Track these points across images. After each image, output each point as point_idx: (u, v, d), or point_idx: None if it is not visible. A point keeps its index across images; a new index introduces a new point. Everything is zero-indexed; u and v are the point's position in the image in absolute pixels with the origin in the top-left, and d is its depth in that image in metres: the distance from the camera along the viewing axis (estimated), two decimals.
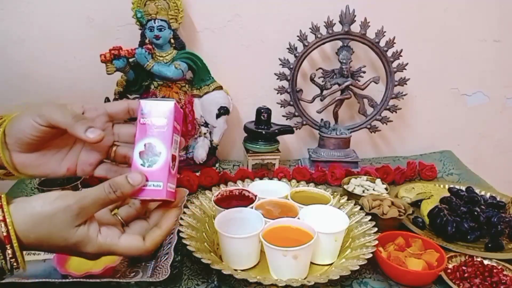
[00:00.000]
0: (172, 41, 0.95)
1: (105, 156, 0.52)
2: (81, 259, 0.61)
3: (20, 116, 0.46)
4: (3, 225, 0.39)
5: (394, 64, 1.05)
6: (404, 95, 1.08)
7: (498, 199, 0.87)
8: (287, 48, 1.03)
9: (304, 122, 1.09)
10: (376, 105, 1.09)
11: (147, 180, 0.44)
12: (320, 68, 1.07)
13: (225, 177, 0.93)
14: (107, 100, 0.94)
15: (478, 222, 0.76)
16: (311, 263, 0.65)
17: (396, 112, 1.10)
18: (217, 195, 0.76)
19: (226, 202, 0.75)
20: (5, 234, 0.39)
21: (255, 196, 0.76)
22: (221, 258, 0.66)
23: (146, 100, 0.47)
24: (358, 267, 0.61)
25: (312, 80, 1.05)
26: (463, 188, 0.89)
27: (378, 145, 1.23)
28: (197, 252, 0.62)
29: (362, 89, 1.07)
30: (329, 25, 1.00)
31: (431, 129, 1.23)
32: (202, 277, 0.64)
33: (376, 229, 0.71)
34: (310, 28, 1.00)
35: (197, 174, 0.94)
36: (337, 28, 1.01)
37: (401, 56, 1.04)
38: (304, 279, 0.61)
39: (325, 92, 1.06)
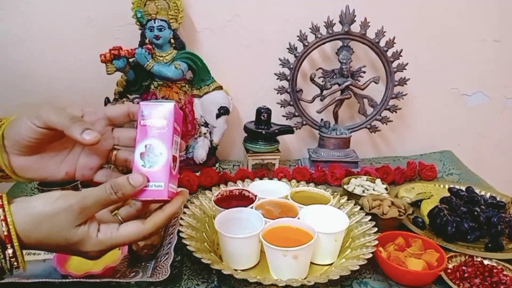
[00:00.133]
0: (172, 41, 0.95)
1: (105, 160, 0.52)
2: (81, 259, 0.62)
3: (18, 119, 0.46)
4: (4, 224, 0.39)
5: (394, 64, 1.05)
6: (404, 95, 1.08)
7: (498, 199, 0.87)
8: (287, 48, 1.03)
9: (304, 122, 1.09)
10: (376, 105, 1.09)
11: (148, 181, 0.45)
12: (320, 68, 1.07)
13: (225, 177, 0.93)
14: (107, 100, 0.94)
15: (478, 222, 0.76)
16: (311, 263, 0.65)
17: (396, 112, 1.10)
18: (217, 195, 0.76)
19: (226, 202, 0.75)
20: (5, 233, 0.39)
21: (255, 196, 0.76)
22: (221, 258, 0.66)
23: (146, 102, 0.47)
24: (358, 267, 0.61)
25: (312, 80, 1.05)
26: (463, 188, 0.89)
27: (378, 145, 1.23)
28: (197, 252, 0.62)
29: (362, 89, 1.07)
30: (329, 25, 1.00)
31: (431, 129, 1.23)
32: (202, 277, 0.64)
33: (376, 229, 0.71)
34: (310, 28, 1.00)
35: (197, 174, 0.94)
36: (337, 28, 1.01)
37: (401, 56, 1.04)
38: (304, 279, 0.61)
39: (325, 92, 1.06)
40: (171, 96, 0.95)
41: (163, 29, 0.91)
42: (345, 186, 0.89)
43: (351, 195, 0.86)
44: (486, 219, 0.76)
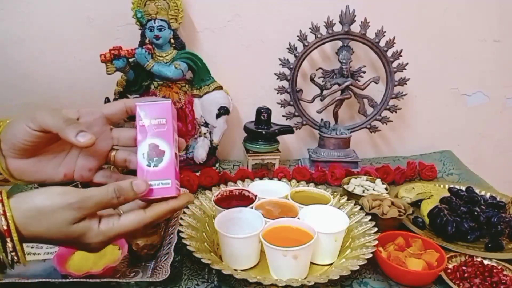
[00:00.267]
0: (172, 41, 0.95)
1: (104, 161, 0.51)
2: (81, 259, 0.62)
3: (14, 122, 0.46)
4: (3, 218, 0.39)
5: (394, 64, 1.05)
6: (404, 95, 1.08)
7: (498, 199, 0.87)
8: (287, 48, 1.03)
9: (304, 122, 1.09)
10: (376, 105, 1.09)
11: (155, 179, 0.45)
12: (320, 68, 1.07)
13: (225, 177, 0.93)
14: (107, 100, 0.94)
15: (478, 222, 0.76)
16: (311, 263, 0.65)
17: (396, 112, 1.10)
18: (217, 195, 0.76)
19: (226, 202, 0.75)
20: (5, 227, 0.39)
21: (255, 196, 0.76)
22: (221, 258, 0.66)
23: (143, 103, 0.48)
24: (358, 267, 0.61)
25: (312, 80, 1.05)
26: (463, 188, 0.89)
27: (378, 145, 1.23)
28: (197, 252, 0.62)
29: (362, 89, 1.07)
30: (329, 25, 1.00)
31: (431, 129, 1.23)
32: (202, 277, 0.64)
33: (376, 229, 0.71)
34: (310, 28, 1.00)
35: (197, 174, 0.94)
36: (337, 28, 1.01)
37: (401, 56, 1.04)
38: (304, 279, 0.61)
39: (325, 92, 1.06)
40: (171, 96, 0.95)
41: (163, 29, 0.91)
42: (345, 186, 0.89)
43: (351, 195, 0.86)
44: (486, 219, 0.76)
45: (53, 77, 1.03)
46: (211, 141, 1.02)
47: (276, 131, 1.00)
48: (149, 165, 0.46)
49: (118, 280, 0.59)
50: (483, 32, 1.15)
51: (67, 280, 0.57)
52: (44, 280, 0.56)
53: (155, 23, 0.91)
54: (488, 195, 0.90)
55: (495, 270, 0.65)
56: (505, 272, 0.65)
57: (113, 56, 0.88)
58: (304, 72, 1.10)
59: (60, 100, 1.03)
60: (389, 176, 0.98)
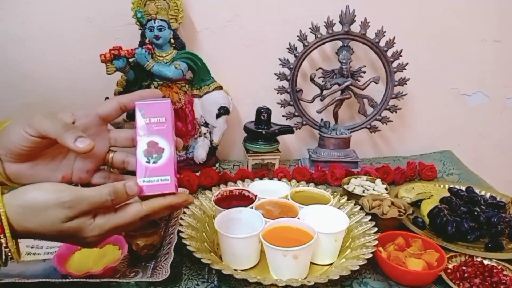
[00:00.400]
0: (172, 41, 0.95)
1: (102, 163, 0.52)
2: (81, 259, 0.62)
3: (10, 127, 0.46)
4: None
5: (394, 64, 1.05)
6: (404, 95, 1.08)
7: (498, 199, 0.87)
8: (287, 48, 1.03)
9: (304, 122, 1.09)
10: (376, 105, 1.09)
11: (154, 176, 0.46)
12: (320, 68, 1.07)
13: (225, 177, 0.93)
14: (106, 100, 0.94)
15: (478, 222, 0.76)
16: (311, 263, 0.65)
17: (396, 112, 1.10)
18: (217, 195, 0.76)
19: (226, 202, 0.75)
20: None
21: (255, 196, 0.76)
22: (221, 258, 0.66)
23: (142, 102, 0.48)
24: (358, 267, 0.61)
25: (312, 80, 1.05)
26: (463, 188, 0.89)
27: (378, 145, 1.23)
28: (197, 252, 0.62)
29: (362, 89, 1.07)
30: (329, 25, 1.00)
31: (431, 129, 1.23)
32: (202, 277, 0.64)
33: (376, 229, 0.71)
34: (310, 28, 1.00)
35: (197, 174, 0.94)
36: (337, 28, 1.01)
37: (401, 56, 1.04)
38: (304, 279, 0.61)
39: (325, 92, 1.06)
40: (171, 96, 0.95)
41: (163, 29, 0.91)
42: (345, 186, 0.89)
43: (351, 195, 0.86)
44: (486, 219, 0.76)
45: (53, 77, 1.03)
46: (211, 141, 1.02)
47: (276, 131, 1.00)
48: (148, 162, 0.46)
49: (118, 280, 0.59)
50: (483, 32, 1.15)
51: (67, 280, 0.57)
52: (44, 280, 0.56)
53: (155, 23, 0.91)
54: (488, 195, 0.90)
55: (495, 270, 0.65)
56: (505, 272, 0.65)
57: (113, 56, 0.88)
58: (304, 72, 1.10)
59: (60, 100, 1.03)
60: (389, 176, 0.98)
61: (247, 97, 1.10)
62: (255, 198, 0.75)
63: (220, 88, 1.00)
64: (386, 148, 1.23)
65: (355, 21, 1.01)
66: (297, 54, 1.02)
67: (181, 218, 0.72)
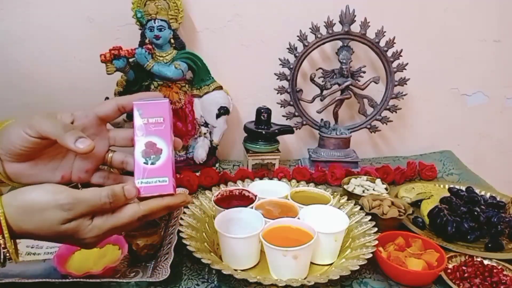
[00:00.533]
0: (172, 41, 0.95)
1: (101, 162, 0.52)
2: (81, 259, 0.62)
3: (10, 127, 0.46)
4: None
5: (394, 64, 1.05)
6: (404, 95, 1.08)
7: (498, 199, 0.87)
8: (287, 48, 1.03)
9: (304, 122, 1.09)
10: (376, 105, 1.09)
11: (152, 177, 0.46)
12: (320, 68, 1.07)
13: (225, 177, 0.93)
14: (106, 100, 0.94)
15: (478, 222, 0.76)
16: (311, 263, 0.65)
17: (396, 112, 1.10)
18: (217, 195, 0.76)
19: (226, 202, 0.75)
20: None
21: (255, 196, 0.76)
22: (221, 258, 0.66)
23: (140, 102, 0.48)
24: (358, 267, 0.61)
25: (312, 80, 1.05)
26: (463, 188, 0.89)
27: (378, 145, 1.23)
28: (197, 252, 0.62)
29: (362, 89, 1.07)
30: (329, 25, 1.00)
31: (431, 129, 1.23)
32: (202, 277, 0.64)
33: (376, 229, 0.71)
34: (310, 28, 1.00)
35: (197, 174, 0.94)
36: (337, 28, 1.01)
37: (401, 56, 1.04)
38: (304, 279, 0.61)
39: (325, 92, 1.06)
40: (171, 96, 0.95)
41: (163, 29, 0.91)
42: (345, 186, 0.89)
43: (351, 195, 0.86)
44: (486, 219, 0.76)
45: (53, 77, 1.03)
46: (211, 141, 1.02)
47: (276, 131, 1.00)
48: (146, 163, 0.46)
49: (118, 280, 0.59)
50: (483, 32, 1.15)
51: (67, 280, 0.57)
52: (44, 280, 0.56)
53: (155, 23, 0.91)
54: (488, 195, 0.90)
55: (495, 270, 0.65)
56: (505, 272, 0.65)
57: (113, 56, 0.88)
58: (304, 72, 1.10)
59: (60, 100, 1.03)
60: (389, 176, 0.98)
61: (247, 97, 1.10)
62: (255, 198, 0.75)
63: (220, 88, 1.00)
64: (386, 148, 1.23)
65: (355, 21, 1.01)
66: (297, 54, 1.02)
67: (181, 218, 0.72)
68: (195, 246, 0.64)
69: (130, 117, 0.92)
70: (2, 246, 0.41)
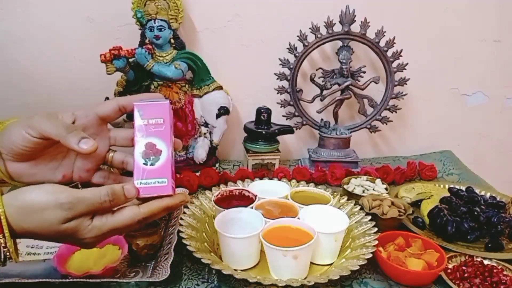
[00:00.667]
0: (172, 41, 0.95)
1: (102, 162, 0.52)
2: (81, 259, 0.62)
3: (12, 127, 0.46)
4: None
5: (394, 64, 1.05)
6: (404, 95, 1.08)
7: (498, 199, 0.87)
8: (287, 48, 1.03)
9: (304, 122, 1.09)
10: (376, 105, 1.09)
11: (152, 178, 0.46)
12: (320, 68, 1.07)
13: (225, 177, 0.93)
14: (106, 100, 0.94)
15: (478, 222, 0.76)
16: (311, 263, 0.65)
17: (396, 112, 1.10)
18: (217, 195, 0.76)
19: (226, 202, 0.75)
20: None
21: (255, 196, 0.76)
22: (221, 258, 0.66)
23: (141, 103, 0.48)
24: (358, 267, 0.61)
25: (312, 80, 1.05)
26: (463, 188, 0.89)
27: (378, 145, 1.23)
28: (197, 252, 0.62)
29: (362, 89, 1.07)
30: (329, 25, 1.00)
31: (431, 129, 1.23)
32: (202, 277, 0.64)
33: (376, 229, 0.71)
34: (310, 28, 1.00)
35: (197, 174, 0.94)
36: (337, 28, 1.01)
37: (401, 56, 1.04)
38: (304, 279, 0.61)
39: (325, 92, 1.06)
40: (171, 96, 0.95)
41: (163, 29, 0.91)
42: (345, 186, 0.89)
43: (351, 195, 0.86)
44: (486, 219, 0.76)
45: (53, 77, 1.03)
46: (211, 141, 1.02)
47: (276, 131, 1.00)
48: (145, 164, 0.46)
49: (118, 280, 0.59)
50: (483, 32, 1.15)
51: (67, 280, 0.57)
52: (44, 280, 0.56)
53: (155, 23, 0.91)
54: (488, 195, 0.90)
55: (495, 270, 0.65)
56: (505, 272, 0.65)
57: (113, 56, 0.88)
58: (304, 72, 1.10)
59: (60, 100, 1.03)
60: (389, 176, 0.98)
61: (247, 97, 1.10)
62: (255, 198, 0.75)
63: (220, 88, 1.00)
64: (386, 148, 1.23)
65: (355, 21, 1.01)
66: (297, 54, 1.02)
67: (181, 218, 0.72)
68: (195, 246, 0.64)
69: (130, 117, 0.91)
70: (3, 245, 0.41)
